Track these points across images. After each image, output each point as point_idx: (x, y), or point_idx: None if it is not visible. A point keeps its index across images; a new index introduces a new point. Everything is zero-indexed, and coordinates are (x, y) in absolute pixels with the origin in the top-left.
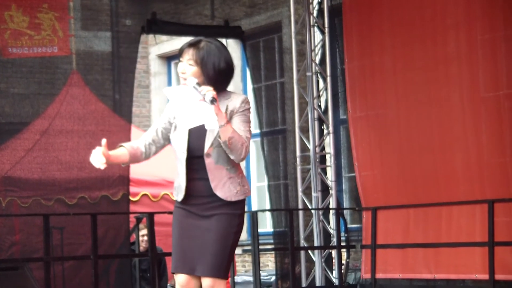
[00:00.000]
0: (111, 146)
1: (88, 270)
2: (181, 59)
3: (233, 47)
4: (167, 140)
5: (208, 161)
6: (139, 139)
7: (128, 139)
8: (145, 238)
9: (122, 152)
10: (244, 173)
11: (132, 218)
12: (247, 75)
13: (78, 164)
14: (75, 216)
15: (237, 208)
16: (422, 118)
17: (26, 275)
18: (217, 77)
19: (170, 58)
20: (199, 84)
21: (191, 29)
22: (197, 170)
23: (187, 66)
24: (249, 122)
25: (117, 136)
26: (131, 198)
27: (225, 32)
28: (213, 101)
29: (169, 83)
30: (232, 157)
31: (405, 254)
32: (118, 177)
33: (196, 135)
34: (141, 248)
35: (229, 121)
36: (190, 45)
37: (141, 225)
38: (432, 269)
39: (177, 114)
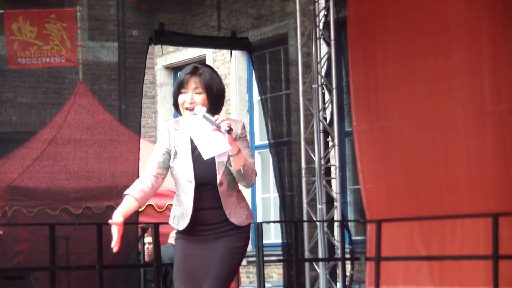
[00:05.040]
0: (120, 155)
1: (94, 279)
2: (183, 90)
3: (239, 58)
4: (167, 170)
5: (222, 190)
6: (142, 178)
7: (137, 149)
8: (150, 247)
9: (132, 205)
10: None
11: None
12: (253, 86)
13: (86, 173)
14: (80, 226)
15: (243, 231)
16: (425, 131)
17: (31, 284)
18: (219, 100)
19: (176, 69)
20: (209, 112)
21: (198, 40)
22: (205, 199)
23: (195, 95)
24: (248, 147)
25: (126, 146)
26: None
27: (232, 43)
28: (229, 130)
29: None
30: (243, 184)
31: (409, 266)
32: (124, 187)
33: (204, 165)
34: (146, 258)
35: (240, 150)
36: (190, 74)
37: (146, 235)
38: (436, 281)
39: (187, 145)
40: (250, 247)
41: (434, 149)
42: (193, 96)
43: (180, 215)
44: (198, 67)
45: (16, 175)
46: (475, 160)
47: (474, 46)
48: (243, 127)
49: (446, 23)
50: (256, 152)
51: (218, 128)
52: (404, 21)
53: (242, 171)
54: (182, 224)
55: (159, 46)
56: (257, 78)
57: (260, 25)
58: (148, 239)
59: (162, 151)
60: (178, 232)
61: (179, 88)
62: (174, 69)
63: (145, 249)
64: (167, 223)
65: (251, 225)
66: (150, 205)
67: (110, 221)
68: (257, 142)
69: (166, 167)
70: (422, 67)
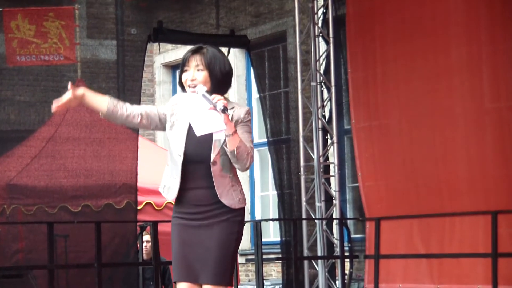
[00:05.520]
0: (119, 153)
1: (92, 278)
2: (186, 68)
3: (238, 56)
4: (155, 126)
5: (214, 169)
6: (135, 105)
7: (135, 147)
8: (149, 245)
9: (101, 98)
10: (248, 182)
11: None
12: (252, 84)
13: (85, 171)
14: (79, 224)
15: (237, 215)
16: (425, 129)
17: (30, 282)
18: (223, 80)
19: (175, 67)
20: (208, 92)
21: (197, 38)
22: (198, 177)
23: (196, 72)
24: (250, 133)
25: (124, 144)
26: (134, 206)
27: (231, 41)
28: (224, 110)
29: (174, 92)
30: (237, 166)
31: (408, 264)
32: (123, 185)
33: (199, 142)
34: (145, 257)
35: (236, 131)
36: (194, 52)
37: (144, 233)
38: (435, 279)
39: (183, 119)
40: (248, 245)
41: (433, 147)
42: (194, 73)
43: (170, 186)
44: (202, 46)
45: (15, 174)
46: (475, 158)
47: (474, 44)
48: (247, 113)
49: (446, 21)
50: (255, 150)
51: (215, 107)
52: (404, 19)
53: (235, 153)
54: (171, 195)
55: (158, 44)
56: (256, 76)
57: (258, 23)
58: (146, 237)
59: (157, 111)
60: (174, 217)
61: (182, 66)
62: (172, 67)
63: (144, 247)
64: (165, 221)
65: (245, 210)
66: (149, 203)
67: (69, 84)
68: (256, 140)
69: (149, 118)
70: (421, 65)
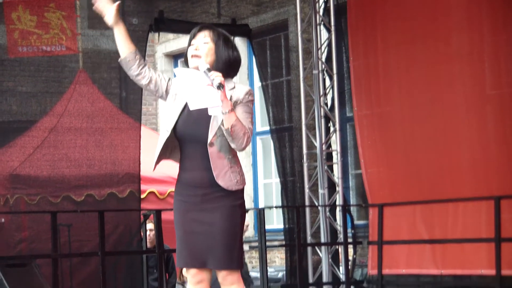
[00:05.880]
0: (121, 142)
1: (96, 266)
2: (193, 42)
3: (240, 45)
4: (161, 95)
5: (211, 150)
6: (151, 69)
7: (137, 136)
8: (152, 234)
9: (130, 44)
10: (251, 170)
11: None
12: (254, 73)
13: (87, 161)
14: (82, 213)
15: (236, 199)
16: (426, 116)
17: (34, 271)
18: (229, 61)
19: (177, 57)
20: (209, 69)
21: None
22: (196, 158)
23: (202, 44)
24: (251, 113)
25: (126, 134)
26: (137, 195)
27: (233, 30)
28: (220, 86)
29: None
30: (233, 145)
31: (411, 250)
32: (125, 174)
33: (193, 122)
34: (148, 245)
35: (233, 109)
36: (203, 27)
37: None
38: (438, 264)
39: (182, 95)
40: (252, 233)
41: (435, 134)
42: (199, 44)
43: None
44: (213, 25)
45: (17, 164)
46: (477, 144)
47: (475, 30)
48: (248, 93)
49: (447, 8)
50: (258, 138)
51: (212, 83)
52: (405, 6)
53: (230, 131)
54: (154, 168)
55: (159, 33)
56: (258, 65)
57: (260, 12)
58: (149, 225)
59: (167, 82)
60: (176, 199)
61: (189, 41)
62: (174, 56)
63: (147, 235)
64: (169, 210)
65: (244, 194)
66: (152, 192)
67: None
68: (259, 128)
69: (156, 85)
70: (422, 52)
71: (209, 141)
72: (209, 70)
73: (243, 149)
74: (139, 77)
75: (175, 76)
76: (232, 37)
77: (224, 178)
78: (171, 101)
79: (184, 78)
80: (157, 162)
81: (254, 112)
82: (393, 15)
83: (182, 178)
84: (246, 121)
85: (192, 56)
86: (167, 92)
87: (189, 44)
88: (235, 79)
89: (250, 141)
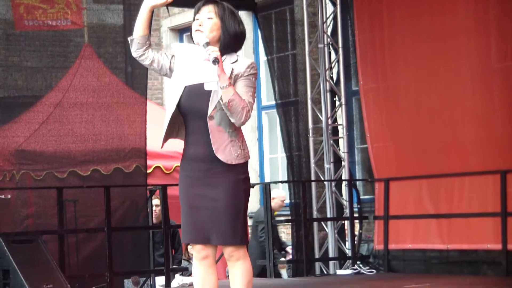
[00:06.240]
0: (127, 117)
1: (102, 242)
2: (197, 17)
3: (245, 19)
4: (163, 72)
5: (211, 124)
6: (154, 49)
7: (143, 111)
8: (158, 209)
9: (145, 28)
10: (257, 145)
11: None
12: (259, 47)
13: (93, 136)
14: (88, 189)
15: (240, 173)
16: (432, 89)
17: (40, 247)
18: (236, 35)
19: (182, 31)
20: (208, 44)
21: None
22: (196, 133)
23: (206, 19)
24: (252, 87)
25: (132, 108)
26: (143, 170)
27: (238, 4)
28: (215, 61)
29: None
30: (232, 120)
31: (417, 225)
32: (132, 149)
33: (195, 97)
34: (154, 220)
35: (231, 83)
36: (208, 1)
37: (153, 197)
38: (445, 239)
39: (179, 70)
40: (258, 207)
41: (441, 108)
42: (203, 19)
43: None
44: (218, 1)
45: (23, 139)
46: (482, 117)
47: (480, 4)
48: (250, 66)
49: None
50: (263, 112)
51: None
52: None
53: (227, 105)
54: (162, 145)
55: (164, 7)
56: (263, 39)
57: None
58: (156, 201)
59: (170, 60)
60: (180, 173)
61: (194, 15)
62: (179, 30)
63: (153, 211)
64: (175, 185)
65: (248, 168)
66: (158, 167)
67: None
68: (264, 102)
69: (159, 64)
70: (428, 25)
71: (208, 114)
72: (207, 44)
73: (243, 123)
74: (142, 57)
75: None
76: (236, 11)
77: (224, 152)
78: (175, 78)
79: (181, 54)
80: (165, 140)
81: (259, 86)
82: None
83: (186, 153)
84: (246, 95)
85: (195, 30)
86: (171, 69)
87: (194, 19)
88: (240, 53)
89: (250, 116)
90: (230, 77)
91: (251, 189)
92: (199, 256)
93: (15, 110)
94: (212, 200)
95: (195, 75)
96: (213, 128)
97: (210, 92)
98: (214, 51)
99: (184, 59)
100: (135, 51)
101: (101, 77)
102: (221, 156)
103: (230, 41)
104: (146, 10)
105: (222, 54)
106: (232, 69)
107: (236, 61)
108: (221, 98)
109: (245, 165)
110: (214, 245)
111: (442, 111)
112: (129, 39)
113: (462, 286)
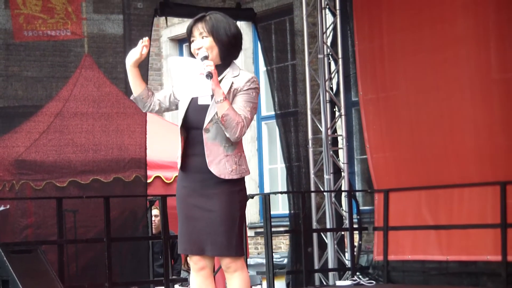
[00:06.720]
0: (127, 128)
1: (101, 252)
2: (192, 38)
3: (244, 29)
4: (173, 105)
5: (206, 136)
6: (155, 95)
7: (143, 121)
8: (157, 220)
9: (141, 82)
10: (256, 155)
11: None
12: (259, 57)
13: (93, 146)
14: (88, 199)
15: (235, 185)
16: (432, 100)
17: (39, 257)
18: (230, 43)
19: (182, 41)
20: (206, 57)
21: (203, 11)
22: (194, 144)
23: (201, 40)
24: (252, 102)
25: (132, 119)
26: (143, 180)
27: (237, 14)
28: (208, 75)
29: None
30: (227, 135)
31: (417, 236)
32: (131, 159)
33: (197, 109)
34: (154, 231)
35: (227, 98)
36: (196, 21)
37: (153, 207)
38: (444, 250)
39: (175, 84)
40: (257, 218)
41: (441, 118)
42: (199, 41)
43: (178, 155)
44: (205, 14)
45: (23, 149)
46: (482, 128)
47: (480, 14)
48: (250, 81)
49: None
50: (263, 123)
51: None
52: None
53: (221, 120)
54: (178, 163)
55: (164, 18)
56: (263, 49)
57: None
58: (155, 211)
59: (170, 91)
60: (178, 185)
61: (189, 38)
62: (179, 41)
63: (153, 221)
64: (174, 195)
65: (245, 183)
66: (158, 177)
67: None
68: (264, 113)
69: (171, 102)
70: (428, 35)
71: (204, 126)
72: (205, 58)
73: (238, 138)
74: (151, 108)
75: None
76: (224, 14)
77: (218, 166)
78: (174, 92)
79: (176, 68)
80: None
81: (259, 98)
82: None
83: (183, 164)
84: (244, 110)
85: (197, 54)
86: (173, 102)
87: (190, 41)
88: (239, 63)
89: (245, 131)
90: (229, 91)
91: (251, 199)
92: (196, 267)
93: (15, 120)
94: (207, 211)
95: (190, 89)
96: (208, 140)
97: (209, 105)
98: (209, 65)
99: (180, 73)
100: (143, 108)
101: (101, 87)
102: (214, 169)
103: (227, 51)
104: (131, 68)
105: (224, 67)
106: (232, 83)
107: (238, 75)
108: (216, 112)
109: (239, 180)
110: (210, 256)
111: (442, 122)
112: (131, 98)
113: None
